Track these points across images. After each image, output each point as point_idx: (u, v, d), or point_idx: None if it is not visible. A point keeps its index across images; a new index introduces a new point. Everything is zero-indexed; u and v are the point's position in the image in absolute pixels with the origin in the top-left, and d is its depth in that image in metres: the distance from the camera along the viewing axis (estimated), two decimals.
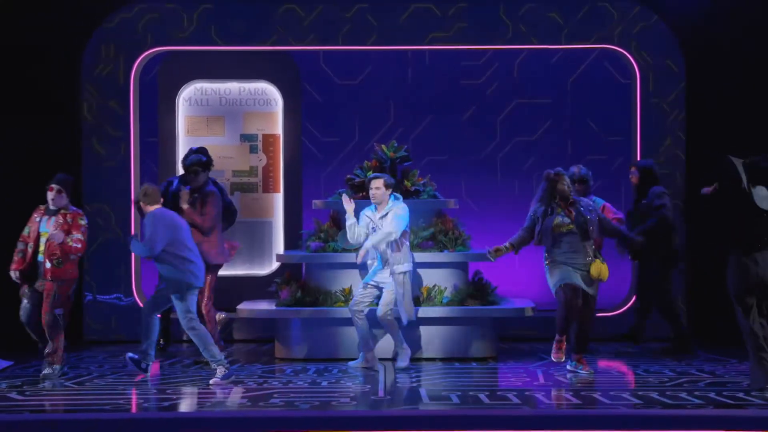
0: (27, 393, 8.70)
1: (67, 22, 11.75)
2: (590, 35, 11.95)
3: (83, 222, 9.45)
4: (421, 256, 10.30)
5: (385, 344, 10.18)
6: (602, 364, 10.14)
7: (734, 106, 11.95)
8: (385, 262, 9.83)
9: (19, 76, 11.78)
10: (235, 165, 12.32)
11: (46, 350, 9.40)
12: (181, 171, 10.53)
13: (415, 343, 10.23)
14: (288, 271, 11.00)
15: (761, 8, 11.63)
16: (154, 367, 9.84)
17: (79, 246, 9.35)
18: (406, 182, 10.71)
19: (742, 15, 11.66)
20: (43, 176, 11.76)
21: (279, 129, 12.41)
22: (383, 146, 10.87)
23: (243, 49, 12.07)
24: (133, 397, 8.70)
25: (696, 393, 8.51)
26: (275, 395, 8.63)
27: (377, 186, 9.88)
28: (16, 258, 9.49)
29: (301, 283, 10.56)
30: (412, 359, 10.04)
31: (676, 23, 11.95)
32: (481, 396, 8.50)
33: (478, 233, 11.18)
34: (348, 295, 10.35)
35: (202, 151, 10.30)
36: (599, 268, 9.45)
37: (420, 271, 10.30)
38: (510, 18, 11.95)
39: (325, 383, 9.15)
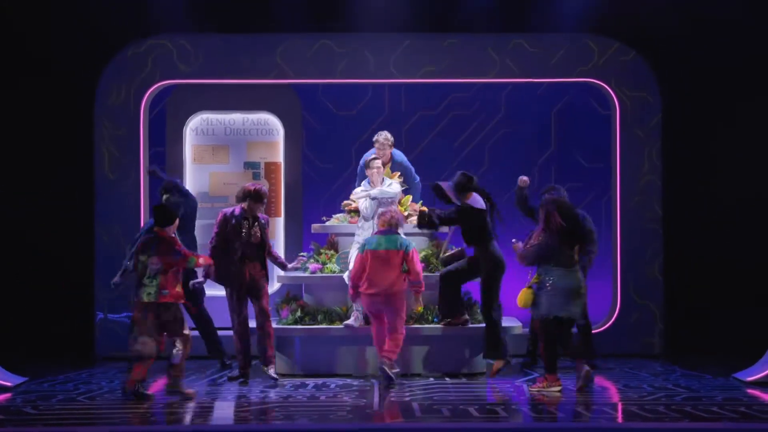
0: (40, 407, 8.66)
1: (82, 56, 11.79)
2: (572, 70, 11.98)
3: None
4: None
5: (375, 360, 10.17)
6: None
7: (708, 137, 12.01)
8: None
9: (36, 106, 11.85)
10: None
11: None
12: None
13: (407, 360, 10.21)
14: (288, 291, 10.98)
15: (734, 44, 11.69)
16: (162, 382, 9.82)
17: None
18: (399, 207, 10.70)
19: (715, 50, 11.72)
20: (56, 200, 11.85)
21: (280, 157, 12.41)
22: None
23: (247, 82, 12.09)
24: (142, 411, 8.66)
25: (673, 407, 8.49)
26: (276, 409, 8.60)
27: (378, 165, 10.54)
28: None
29: (300, 303, 10.55)
30: (405, 375, 10.03)
31: (653, 58, 12.00)
32: (471, 410, 8.47)
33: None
34: (346, 313, 10.35)
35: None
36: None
37: None
38: (498, 53, 11.98)
39: (323, 397, 9.12)
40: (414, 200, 10.96)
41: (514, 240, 9.71)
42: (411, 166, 11.22)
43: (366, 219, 10.46)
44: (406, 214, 10.70)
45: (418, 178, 11.23)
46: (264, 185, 10.22)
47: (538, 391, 9.24)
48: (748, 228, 11.87)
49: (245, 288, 9.93)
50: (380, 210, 10.14)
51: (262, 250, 9.96)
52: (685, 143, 12.03)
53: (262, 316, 9.94)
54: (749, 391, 9.28)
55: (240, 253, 9.86)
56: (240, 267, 9.87)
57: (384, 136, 10.97)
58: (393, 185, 10.57)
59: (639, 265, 11.83)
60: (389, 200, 10.43)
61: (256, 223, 9.95)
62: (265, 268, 10.02)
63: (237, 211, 9.95)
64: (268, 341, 9.96)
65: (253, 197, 9.92)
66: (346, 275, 10.20)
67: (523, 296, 9.36)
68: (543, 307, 9.29)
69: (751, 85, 11.78)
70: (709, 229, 11.96)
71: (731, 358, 10.45)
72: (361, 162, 11.08)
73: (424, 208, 10.59)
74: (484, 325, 10.11)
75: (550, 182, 12.45)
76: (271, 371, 9.92)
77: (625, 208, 11.88)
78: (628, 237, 11.84)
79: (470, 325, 10.26)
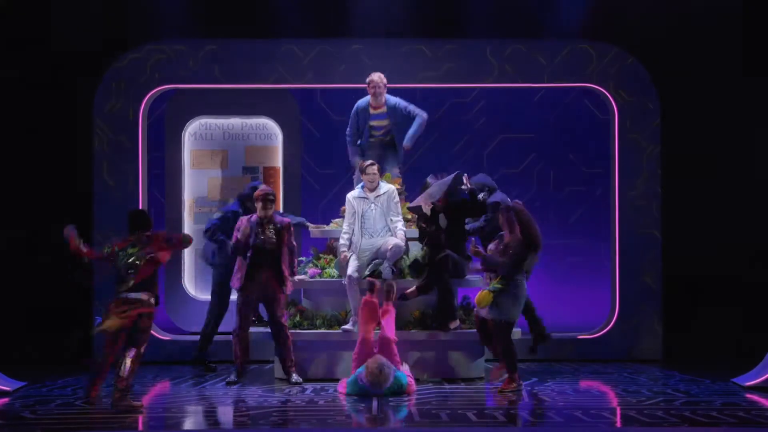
0: (39, 412, 8.64)
1: (81, 61, 11.81)
2: (571, 75, 11.98)
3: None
4: (414, 282, 10.27)
5: None
6: (583, 384, 10.10)
7: (706, 141, 12.02)
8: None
9: (36, 111, 11.86)
10: None
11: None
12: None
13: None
14: (287, 296, 10.95)
15: (731, 49, 11.70)
16: (161, 387, 9.79)
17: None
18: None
19: (713, 53, 11.74)
20: (54, 205, 11.85)
21: (279, 162, 12.42)
22: None
23: (245, 86, 12.09)
24: (140, 415, 8.64)
25: (672, 411, 8.47)
26: (274, 414, 8.58)
27: (375, 171, 10.09)
28: None
29: (299, 308, 10.54)
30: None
31: (652, 63, 12.01)
32: (469, 414, 8.45)
33: None
34: (345, 318, 10.33)
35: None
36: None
37: None
38: (496, 58, 11.99)
39: (321, 402, 9.09)
40: (414, 133, 10.45)
41: (472, 240, 9.76)
42: (409, 104, 10.60)
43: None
44: (407, 218, 10.68)
45: (423, 115, 10.54)
46: (263, 186, 10.15)
47: (512, 392, 9.39)
48: (747, 234, 11.88)
49: (255, 295, 9.91)
50: (368, 360, 9.25)
51: (277, 257, 9.86)
52: (684, 148, 12.03)
53: (276, 326, 9.95)
54: (748, 395, 9.26)
55: (251, 259, 9.82)
56: (252, 272, 9.83)
57: (378, 76, 10.48)
58: (399, 229, 10.10)
59: (638, 269, 11.83)
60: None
61: (271, 226, 9.87)
62: (280, 276, 9.88)
63: (254, 217, 9.94)
64: (286, 350, 9.96)
65: (255, 199, 9.92)
66: (344, 279, 10.17)
67: (484, 298, 9.37)
68: (505, 312, 9.40)
69: (751, 88, 11.78)
70: (708, 235, 11.97)
71: (730, 363, 10.45)
72: (355, 108, 10.75)
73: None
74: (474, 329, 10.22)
75: (548, 188, 12.46)
76: (294, 378, 9.95)
77: (624, 214, 11.87)
78: (627, 242, 11.84)
79: (465, 330, 10.24)
